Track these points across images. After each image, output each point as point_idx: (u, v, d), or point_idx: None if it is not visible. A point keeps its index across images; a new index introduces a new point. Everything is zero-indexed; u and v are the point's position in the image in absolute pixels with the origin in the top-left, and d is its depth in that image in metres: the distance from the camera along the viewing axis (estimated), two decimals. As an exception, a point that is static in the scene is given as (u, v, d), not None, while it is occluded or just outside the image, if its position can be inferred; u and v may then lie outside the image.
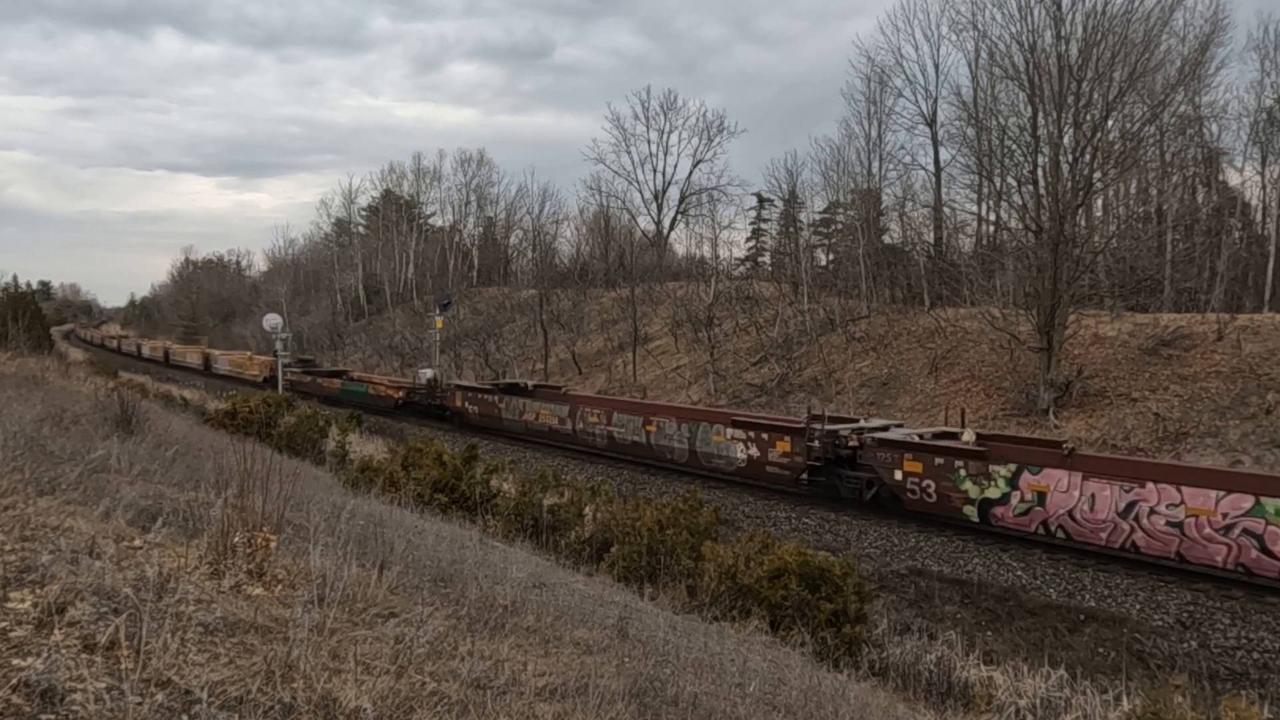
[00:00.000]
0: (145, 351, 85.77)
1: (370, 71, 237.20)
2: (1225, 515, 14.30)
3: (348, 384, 43.66)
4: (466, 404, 33.73)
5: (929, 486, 18.28)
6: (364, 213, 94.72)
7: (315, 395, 43.41)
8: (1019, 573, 15.77)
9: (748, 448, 22.11)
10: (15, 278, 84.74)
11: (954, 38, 42.10)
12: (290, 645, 3.65)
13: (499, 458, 24.24)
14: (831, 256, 54.08)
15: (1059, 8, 28.21)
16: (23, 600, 3.58)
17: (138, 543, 4.91)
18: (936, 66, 45.22)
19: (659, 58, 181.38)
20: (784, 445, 21.22)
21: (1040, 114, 28.95)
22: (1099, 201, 37.70)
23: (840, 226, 51.92)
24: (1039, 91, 28.71)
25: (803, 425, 21.02)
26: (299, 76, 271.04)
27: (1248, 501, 14.07)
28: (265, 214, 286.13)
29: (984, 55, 35.19)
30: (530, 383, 34.55)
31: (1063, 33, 28.08)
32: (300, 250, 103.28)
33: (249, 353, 64.71)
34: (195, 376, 61.70)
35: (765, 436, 21.78)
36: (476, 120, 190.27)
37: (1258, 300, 33.78)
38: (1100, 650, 12.84)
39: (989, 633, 13.47)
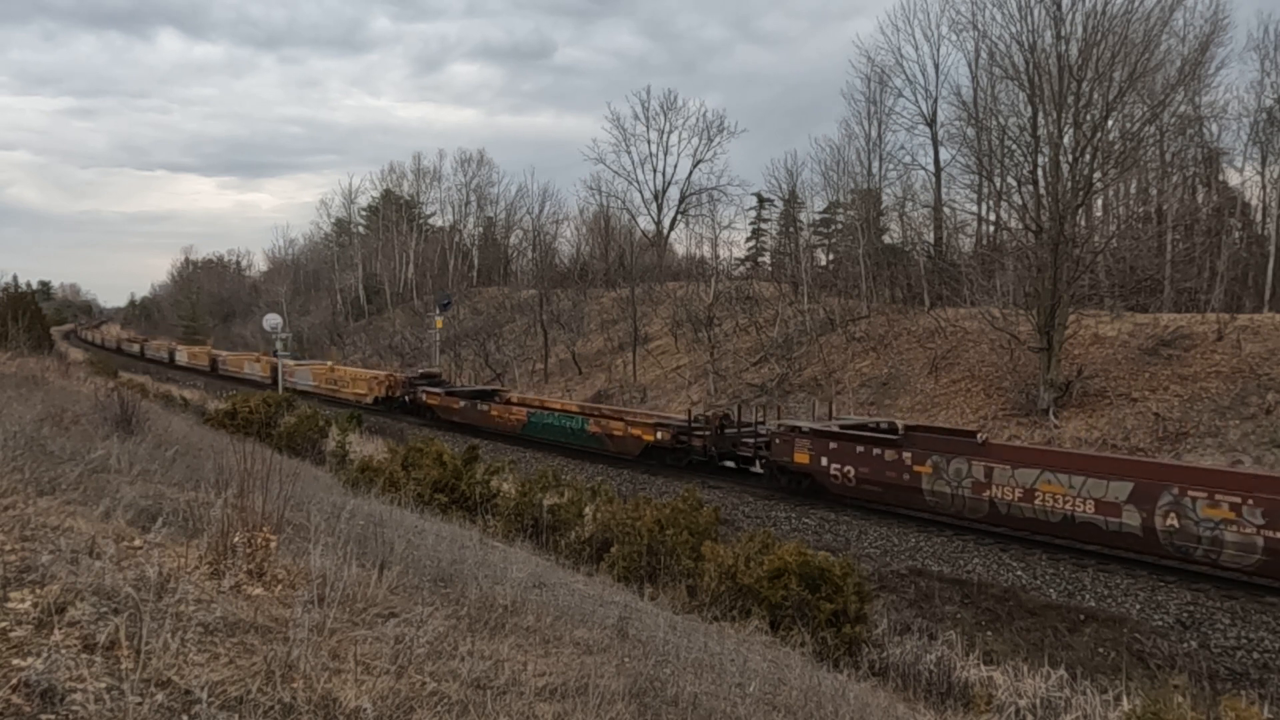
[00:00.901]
0: (182, 359, 69.31)
1: (371, 72, 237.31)
2: None
3: (545, 417, 29.48)
4: (830, 462, 19.95)
5: None
6: (364, 213, 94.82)
7: (474, 429, 31.78)
8: (1019, 573, 15.77)
9: None
10: (15, 278, 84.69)
11: (954, 38, 42.13)
12: (290, 645, 3.65)
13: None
14: (831, 256, 54.12)
15: (1059, 8, 28.24)
16: (23, 600, 3.58)
17: (138, 543, 4.91)
18: (936, 66, 45.27)
19: (660, 58, 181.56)
20: None
21: (1040, 114, 28.97)
22: (1099, 201, 37.72)
23: (840, 226, 51.94)
24: (1039, 91, 28.72)
25: None
26: (300, 77, 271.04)
27: None
28: (266, 214, 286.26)
29: (984, 55, 35.24)
30: (899, 423, 21.10)
31: (1063, 33, 28.10)
32: (300, 250, 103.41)
33: (331, 363, 50.07)
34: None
35: None
36: (477, 120, 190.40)
37: (1258, 300, 33.79)
38: (1100, 650, 12.84)
39: (989, 633, 13.48)
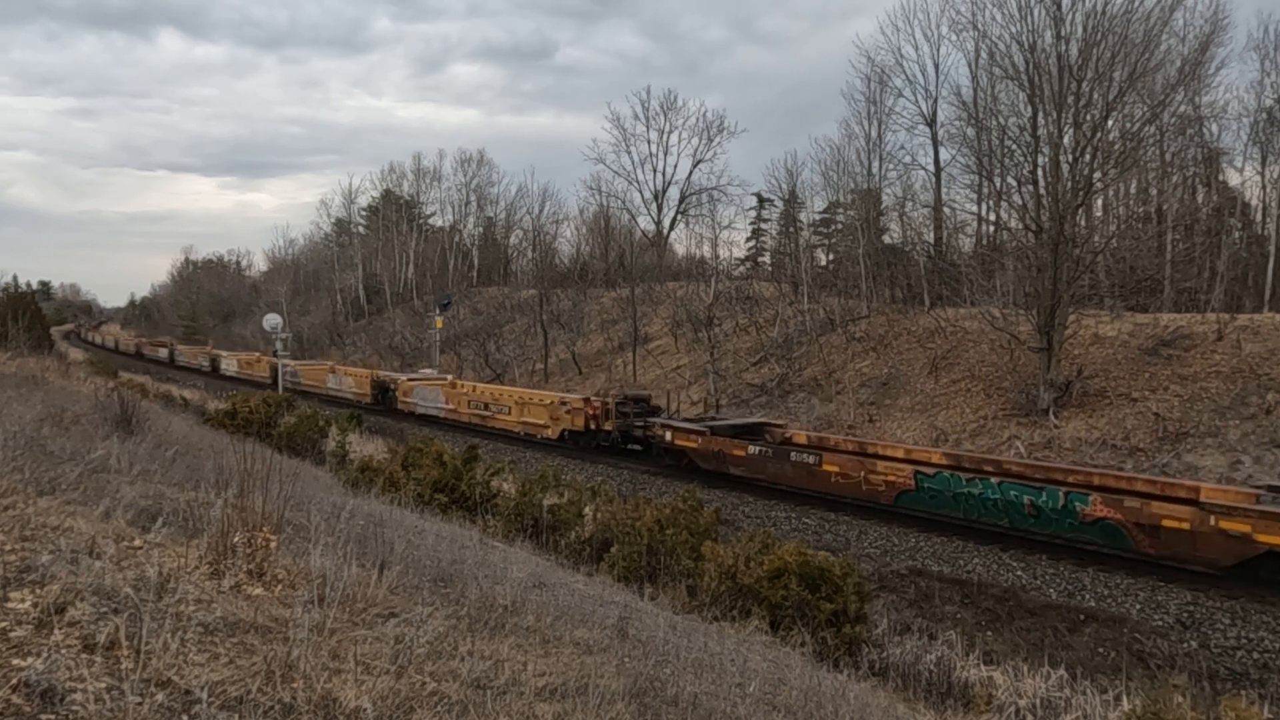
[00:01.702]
0: (230, 368, 55.56)
1: (372, 72, 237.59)
2: None
3: (959, 483, 17.97)
4: None
5: None
6: (364, 213, 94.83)
7: (779, 489, 21.43)
8: (1019, 573, 15.77)
9: None
10: (15, 278, 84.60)
11: (954, 38, 42.11)
12: (290, 645, 3.64)
13: (499, 458, 21.26)
14: (831, 256, 54.12)
15: (1059, 8, 28.23)
16: (23, 600, 3.58)
17: (138, 543, 4.91)
18: (936, 66, 45.25)
19: (662, 59, 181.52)
20: None
21: (1040, 114, 28.95)
22: (1099, 201, 37.72)
23: (840, 226, 51.93)
24: (1039, 91, 28.70)
25: None
26: (301, 77, 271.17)
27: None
28: (266, 214, 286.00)
29: (984, 55, 35.21)
30: None
31: (1063, 33, 28.09)
32: (300, 250, 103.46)
33: (451, 377, 38.43)
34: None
35: None
36: (478, 121, 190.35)
37: (1258, 300, 33.78)
38: (1100, 650, 12.84)
39: (989, 633, 13.47)
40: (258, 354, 56.37)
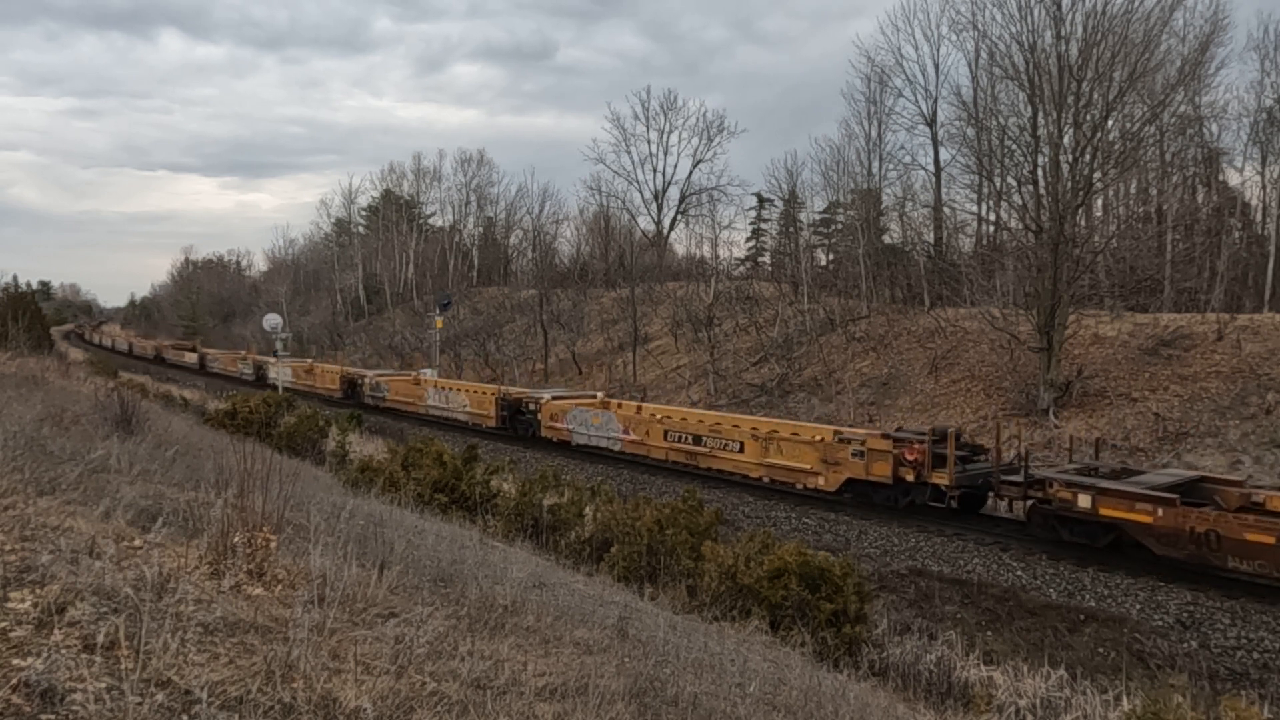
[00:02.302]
0: (276, 377, 46.88)
1: (373, 72, 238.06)
2: None
3: None
4: None
5: None
6: (364, 213, 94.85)
7: None
8: (1019, 573, 15.76)
9: None
10: (15, 278, 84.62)
11: (954, 38, 42.14)
12: (290, 645, 3.64)
13: (499, 458, 21.61)
14: (831, 256, 54.12)
15: (1059, 8, 28.23)
16: (23, 600, 3.58)
17: (138, 543, 4.91)
18: (936, 66, 45.28)
19: (662, 59, 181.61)
20: None
21: (1040, 114, 28.95)
22: (1099, 201, 37.72)
23: (840, 226, 51.94)
24: (1039, 91, 28.70)
25: None
26: (302, 77, 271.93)
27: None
28: (266, 214, 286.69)
29: (984, 55, 35.22)
30: None
31: (1063, 33, 28.09)
32: (300, 250, 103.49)
33: (627, 400, 30.59)
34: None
35: None
36: (479, 121, 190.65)
37: (1258, 300, 33.78)
38: (1100, 650, 12.84)
39: (989, 633, 13.47)
40: (310, 361, 48.08)
